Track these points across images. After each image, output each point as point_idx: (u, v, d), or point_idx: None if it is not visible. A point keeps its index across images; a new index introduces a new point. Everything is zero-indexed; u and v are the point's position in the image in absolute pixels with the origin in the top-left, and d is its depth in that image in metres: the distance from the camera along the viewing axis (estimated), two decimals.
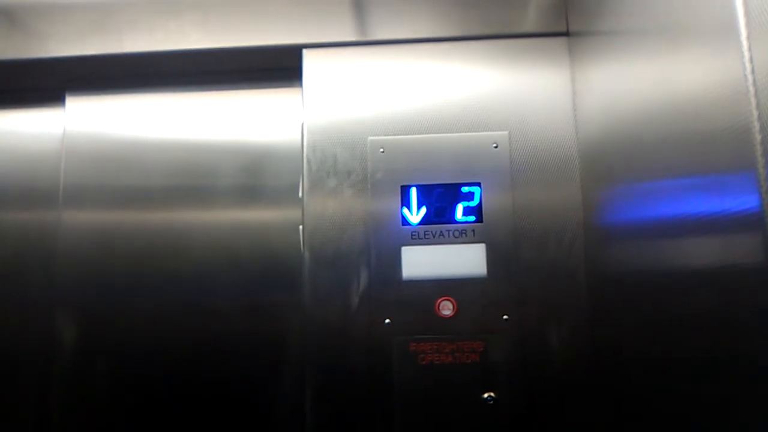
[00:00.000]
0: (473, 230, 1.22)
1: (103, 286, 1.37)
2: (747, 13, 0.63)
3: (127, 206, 1.40)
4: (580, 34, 1.23)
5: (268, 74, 1.43)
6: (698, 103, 0.73)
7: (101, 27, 1.35)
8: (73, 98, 1.46)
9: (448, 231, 1.23)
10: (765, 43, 0.61)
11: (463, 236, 1.22)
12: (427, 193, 1.24)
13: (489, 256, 1.21)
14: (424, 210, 1.24)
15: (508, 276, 1.20)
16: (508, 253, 1.21)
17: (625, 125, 0.98)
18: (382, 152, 1.26)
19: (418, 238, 1.23)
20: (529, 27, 1.30)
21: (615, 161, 1.05)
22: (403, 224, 1.23)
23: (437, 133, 1.27)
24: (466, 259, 1.21)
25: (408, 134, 1.27)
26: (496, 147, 1.25)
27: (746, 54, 0.63)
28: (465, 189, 1.24)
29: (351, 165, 1.26)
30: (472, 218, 1.23)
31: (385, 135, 1.27)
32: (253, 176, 1.41)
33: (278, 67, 1.39)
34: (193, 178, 1.41)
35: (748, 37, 0.63)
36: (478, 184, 1.24)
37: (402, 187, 1.25)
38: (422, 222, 1.23)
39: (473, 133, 1.26)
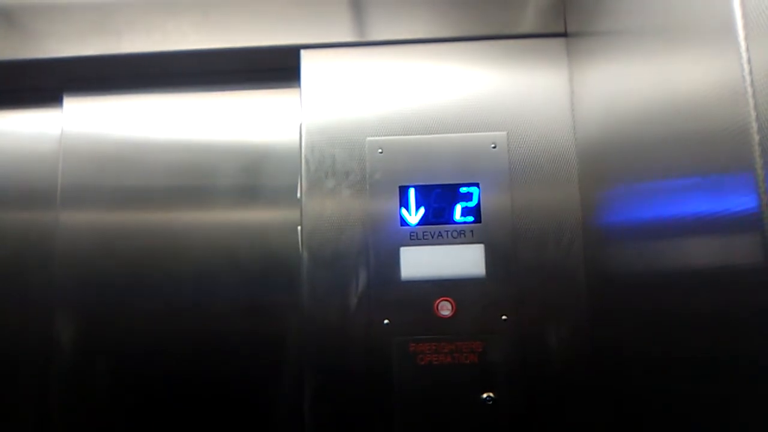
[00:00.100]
0: (472, 231, 1.22)
1: (102, 287, 1.37)
2: (745, 14, 0.63)
3: (125, 207, 1.40)
4: (578, 35, 1.23)
5: (267, 75, 1.43)
6: (696, 103, 0.73)
7: (99, 27, 1.35)
8: (71, 99, 1.46)
9: (447, 231, 1.23)
10: (763, 44, 0.61)
11: (461, 237, 1.22)
12: (425, 194, 1.24)
13: (488, 257, 1.21)
14: (422, 210, 1.24)
15: (506, 276, 1.21)
16: (506, 254, 1.21)
17: (624, 125, 0.99)
18: (381, 153, 1.26)
19: (416, 238, 1.23)
20: (527, 27, 1.30)
21: (613, 161, 1.05)
22: (401, 225, 1.23)
23: (436, 133, 1.27)
24: (464, 260, 1.21)
25: (406, 135, 1.27)
26: (494, 147, 1.25)
27: (744, 55, 0.63)
28: (463, 189, 1.24)
29: (349, 165, 1.26)
30: (470, 219, 1.23)
31: (383, 135, 1.27)
32: (252, 177, 1.41)
33: (276, 67, 1.39)
34: (191, 178, 1.41)
35: (746, 38, 0.63)
36: (477, 185, 1.24)
37: (400, 187, 1.25)
38: (421, 222, 1.23)
39: (472, 134, 1.26)
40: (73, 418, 1.35)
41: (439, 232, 1.23)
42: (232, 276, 1.36)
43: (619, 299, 1.05)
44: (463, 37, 1.31)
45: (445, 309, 1.20)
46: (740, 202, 0.63)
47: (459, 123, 1.27)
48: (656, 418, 0.91)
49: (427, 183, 1.24)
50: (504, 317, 1.20)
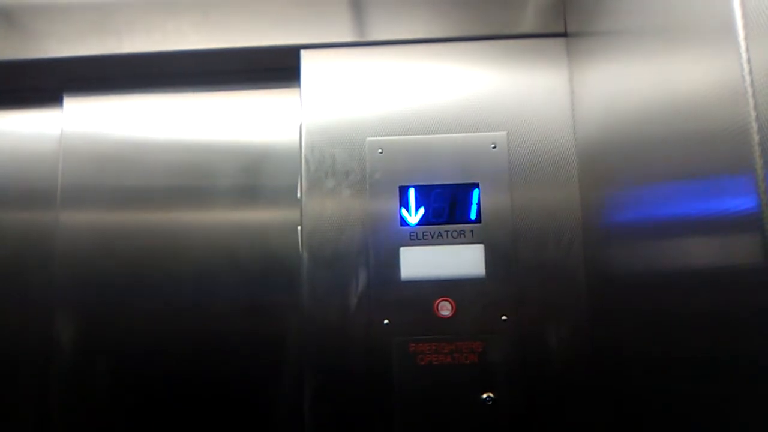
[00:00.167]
0: (472, 231, 1.22)
1: (102, 287, 1.37)
2: (745, 14, 0.63)
3: (125, 207, 1.40)
4: (578, 35, 1.23)
5: (266, 75, 1.43)
6: (696, 103, 0.73)
7: (99, 27, 1.35)
8: (71, 99, 1.46)
9: (447, 231, 1.23)
10: (763, 44, 0.61)
11: (461, 237, 1.22)
12: (425, 194, 1.24)
13: (488, 257, 1.21)
14: (422, 210, 1.24)
15: (506, 276, 1.21)
16: (506, 254, 1.21)
17: (624, 126, 0.99)
18: (381, 153, 1.26)
19: (416, 238, 1.23)
20: (527, 27, 1.30)
21: (614, 162, 1.05)
22: (401, 225, 1.23)
23: (435, 133, 1.27)
24: (464, 260, 1.21)
25: (406, 135, 1.27)
26: (494, 147, 1.25)
27: (744, 55, 0.63)
28: (463, 189, 1.24)
29: (349, 165, 1.26)
30: (470, 219, 1.23)
31: (383, 135, 1.27)
32: (252, 177, 1.41)
33: (276, 67, 1.39)
34: (191, 178, 1.41)
35: (746, 38, 0.63)
36: (477, 185, 1.24)
37: (400, 187, 1.25)
38: (421, 222, 1.23)
39: (471, 134, 1.26)
40: (73, 418, 1.35)
41: (439, 232, 1.23)
42: (232, 276, 1.36)
43: (619, 299, 1.05)
44: (463, 37, 1.31)
45: (445, 309, 1.20)
46: (740, 202, 0.63)
47: (459, 123, 1.27)
48: (656, 418, 0.91)
49: (427, 183, 1.24)
50: (504, 317, 1.20)
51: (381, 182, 1.25)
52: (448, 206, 1.23)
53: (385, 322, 1.20)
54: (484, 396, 1.17)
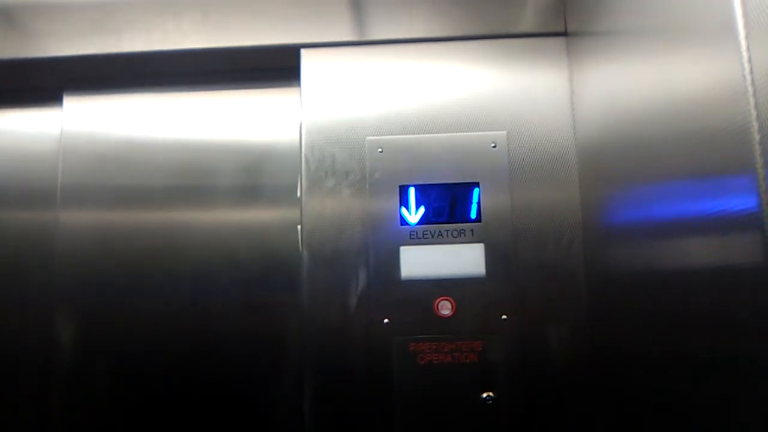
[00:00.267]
0: (472, 230, 1.22)
1: (102, 286, 1.37)
2: (745, 14, 0.63)
3: (125, 206, 1.40)
4: (578, 34, 1.23)
5: (266, 74, 1.43)
6: (697, 103, 0.73)
7: (99, 27, 1.35)
8: (71, 98, 1.46)
9: (447, 231, 1.23)
10: (763, 44, 0.61)
11: (461, 236, 1.22)
12: (425, 193, 1.24)
13: (488, 256, 1.21)
14: (422, 210, 1.24)
15: (506, 276, 1.21)
16: (506, 253, 1.21)
17: (624, 125, 0.98)
18: (381, 152, 1.26)
19: (416, 237, 1.23)
20: (527, 27, 1.30)
21: (614, 161, 1.05)
22: (401, 224, 1.23)
23: (435, 133, 1.27)
24: (464, 259, 1.21)
25: (406, 134, 1.27)
26: (494, 147, 1.25)
27: (745, 54, 0.63)
28: (463, 189, 1.24)
29: (349, 165, 1.26)
30: (470, 218, 1.23)
31: (383, 135, 1.27)
32: (252, 176, 1.41)
33: (276, 66, 1.39)
34: (191, 177, 1.41)
35: (747, 37, 0.63)
36: (477, 184, 1.24)
37: (400, 186, 1.24)
38: (421, 222, 1.23)
39: (471, 133, 1.26)
40: (73, 417, 1.35)
41: (439, 231, 1.22)
42: (232, 275, 1.36)
43: (619, 298, 1.05)
44: (463, 36, 1.31)
45: (445, 308, 1.20)
46: (740, 201, 0.63)
47: (459, 122, 1.27)
48: (656, 416, 0.91)
49: (427, 182, 1.24)
50: (504, 317, 1.20)
51: (381, 181, 1.25)
52: (448, 205, 1.23)
53: (385, 321, 1.20)
54: (484, 395, 1.17)
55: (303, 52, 1.32)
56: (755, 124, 0.61)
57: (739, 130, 0.63)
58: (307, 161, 1.27)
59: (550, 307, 1.20)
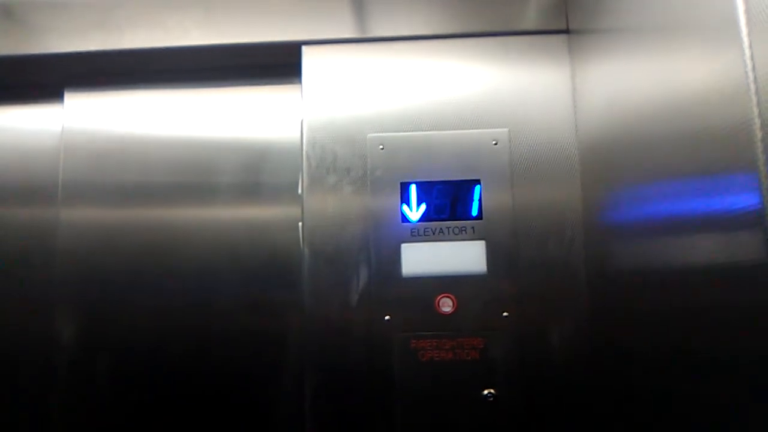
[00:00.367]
0: (473, 227, 1.22)
1: (103, 284, 1.36)
2: (747, 10, 0.63)
3: (126, 203, 1.40)
4: (580, 32, 1.23)
5: (268, 71, 1.42)
6: (699, 100, 0.73)
7: (100, 23, 1.34)
8: (72, 94, 1.46)
9: (448, 228, 1.23)
10: (766, 41, 0.61)
11: (462, 233, 1.22)
12: (426, 190, 1.24)
13: (489, 253, 1.21)
14: (423, 207, 1.24)
15: (508, 273, 1.21)
16: (508, 251, 1.21)
17: (626, 123, 0.98)
18: (382, 149, 1.26)
19: (417, 235, 1.23)
20: (528, 24, 1.30)
21: (615, 159, 1.05)
22: (402, 221, 1.23)
23: (437, 130, 1.27)
24: (466, 256, 1.21)
25: (408, 131, 1.27)
26: (495, 144, 1.25)
27: (747, 51, 0.63)
28: (465, 186, 1.24)
29: (350, 162, 1.26)
30: (471, 215, 1.23)
31: (384, 132, 1.27)
32: (253, 173, 1.41)
33: (277, 63, 1.38)
34: (193, 174, 1.41)
35: (749, 34, 0.62)
36: (478, 182, 1.24)
37: (402, 184, 1.24)
38: (422, 219, 1.23)
39: (473, 130, 1.26)
40: (73, 415, 1.34)
41: (441, 228, 1.23)
42: (233, 273, 1.36)
43: (620, 296, 1.05)
44: (465, 33, 1.30)
45: (446, 305, 1.20)
46: (742, 199, 0.63)
47: (460, 120, 1.27)
48: (657, 415, 0.91)
49: (429, 179, 1.24)
50: (505, 314, 1.20)
51: (382, 178, 1.25)
52: (449, 203, 1.23)
53: (387, 318, 1.20)
54: (485, 392, 1.18)
55: (304, 48, 1.32)
56: (757, 122, 0.61)
57: (742, 127, 0.63)
58: (308, 158, 1.27)
59: (551, 304, 1.20)
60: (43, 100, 1.50)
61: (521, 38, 1.30)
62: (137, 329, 1.35)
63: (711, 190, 0.71)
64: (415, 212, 1.23)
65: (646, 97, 0.89)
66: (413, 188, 1.24)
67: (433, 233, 1.23)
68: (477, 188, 1.23)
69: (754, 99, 0.61)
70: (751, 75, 0.62)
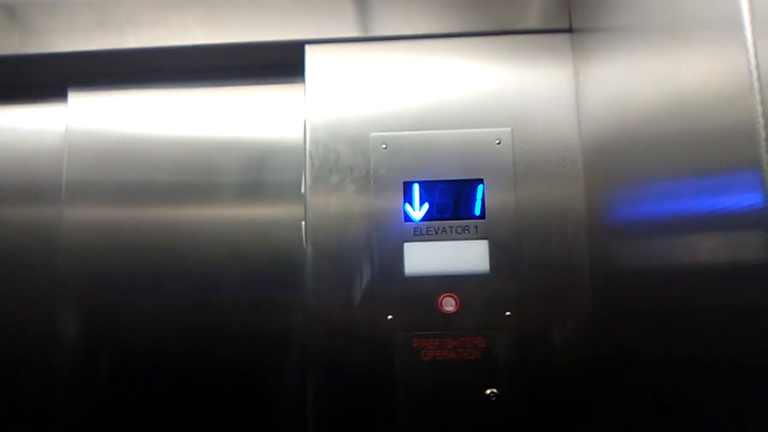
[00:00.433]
0: (476, 226, 1.22)
1: (106, 283, 1.36)
2: (752, 9, 0.63)
3: (129, 203, 1.40)
4: (583, 31, 1.23)
5: (271, 70, 1.42)
6: (702, 99, 0.73)
7: (103, 22, 1.35)
8: (76, 94, 1.46)
9: (451, 227, 1.23)
10: None
11: (465, 232, 1.22)
12: (429, 190, 1.24)
13: (492, 253, 1.21)
14: (426, 206, 1.24)
15: (510, 272, 1.20)
16: (511, 250, 1.21)
17: (629, 122, 0.98)
18: (385, 148, 1.26)
19: (420, 234, 1.23)
20: (531, 23, 1.30)
21: (618, 158, 1.04)
22: (405, 220, 1.23)
23: (440, 129, 1.26)
24: (468, 256, 1.21)
25: (411, 130, 1.27)
26: (498, 143, 1.25)
27: (751, 50, 0.62)
28: (468, 185, 1.24)
29: (353, 161, 1.26)
30: (474, 215, 1.22)
31: (387, 131, 1.27)
32: (256, 172, 1.41)
33: (281, 63, 1.38)
34: (196, 174, 1.41)
35: (753, 33, 0.62)
36: (481, 181, 1.24)
37: (404, 183, 1.24)
38: (425, 218, 1.23)
39: (476, 130, 1.26)
40: (74, 414, 1.35)
41: (443, 227, 1.22)
42: (236, 272, 1.36)
43: (623, 296, 1.05)
44: (468, 32, 1.30)
45: (449, 305, 1.20)
46: (746, 198, 0.63)
47: (463, 119, 1.27)
48: (658, 414, 0.91)
49: (432, 179, 1.24)
50: (508, 313, 1.20)
51: (385, 178, 1.25)
52: (452, 202, 1.23)
53: (389, 317, 1.20)
54: (488, 392, 1.17)
55: (307, 48, 1.32)
56: (761, 121, 0.61)
57: (746, 126, 0.63)
58: (311, 157, 1.27)
59: (554, 304, 1.20)
60: (47, 100, 1.50)
61: (524, 37, 1.30)
62: (140, 329, 1.36)
63: (714, 190, 0.70)
64: (417, 211, 1.23)
65: (650, 95, 0.89)
66: (416, 187, 1.24)
67: (436, 232, 1.22)
68: (480, 187, 1.23)
69: (758, 98, 0.61)
70: (755, 73, 0.62)
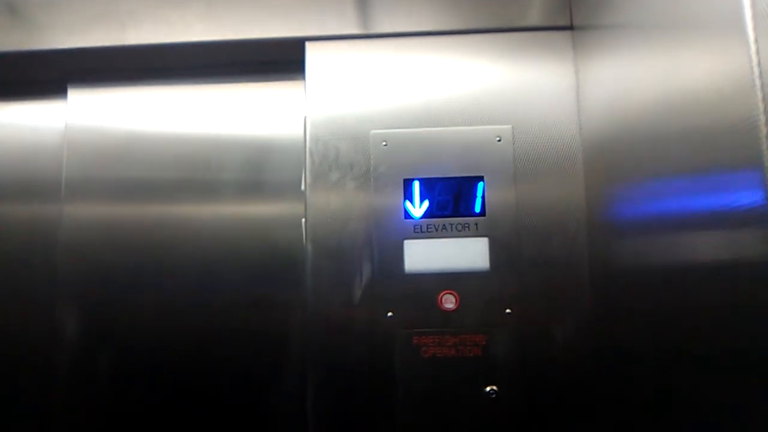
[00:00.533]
0: (476, 224, 1.22)
1: (106, 281, 1.36)
2: (753, 6, 0.63)
3: (129, 200, 1.40)
4: (584, 28, 1.23)
5: (271, 67, 1.42)
6: (704, 97, 0.72)
7: (104, 19, 1.34)
8: (75, 91, 1.46)
9: (451, 225, 1.22)
10: None
11: (465, 230, 1.22)
12: (429, 187, 1.24)
13: (492, 250, 1.21)
14: (426, 203, 1.23)
15: (510, 270, 1.20)
16: (511, 247, 1.21)
17: (630, 120, 0.98)
18: (385, 146, 1.26)
19: (420, 231, 1.23)
20: (532, 20, 1.30)
21: (619, 156, 1.04)
22: (405, 218, 1.23)
23: (440, 126, 1.26)
24: (468, 253, 1.21)
25: (411, 128, 1.27)
26: (499, 141, 1.25)
27: (753, 47, 0.62)
28: (468, 183, 1.24)
29: (353, 158, 1.26)
30: (475, 212, 1.22)
31: (387, 128, 1.27)
32: (256, 170, 1.41)
33: (281, 59, 1.38)
34: (196, 171, 1.41)
35: (755, 30, 0.62)
36: (481, 178, 1.23)
37: (405, 180, 1.24)
38: (425, 215, 1.23)
39: (476, 127, 1.26)
40: (74, 413, 1.35)
41: (444, 225, 1.22)
42: (235, 269, 1.36)
43: (622, 294, 1.05)
44: (469, 29, 1.30)
45: (449, 302, 1.20)
46: (747, 196, 0.63)
47: (464, 116, 1.26)
48: (658, 413, 0.91)
49: (432, 176, 1.24)
50: (508, 311, 1.19)
51: (385, 175, 1.25)
52: (452, 199, 1.23)
53: (389, 314, 1.20)
54: (488, 389, 1.17)
55: (308, 44, 1.32)
56: (762, 118, 0.60)
57: (747, 124, 0.63)
58: (311, 154, 1.27)
59: (553, 301, 1.20)
60: (47, 96, 1.50)
61: (525, 34, 1.29)
62: (140, 327, 1.35)
63: (715, 188, 0.70)
64: (418, 209, 1.23)
65: (651, 93, 0.88)
66: (416, 185, 1.24)
67: (436, 230, 1.22)
68: (480, 185, 1.23)
69: (760, 95, 0.61)
70: (756, 70, 0.61)
